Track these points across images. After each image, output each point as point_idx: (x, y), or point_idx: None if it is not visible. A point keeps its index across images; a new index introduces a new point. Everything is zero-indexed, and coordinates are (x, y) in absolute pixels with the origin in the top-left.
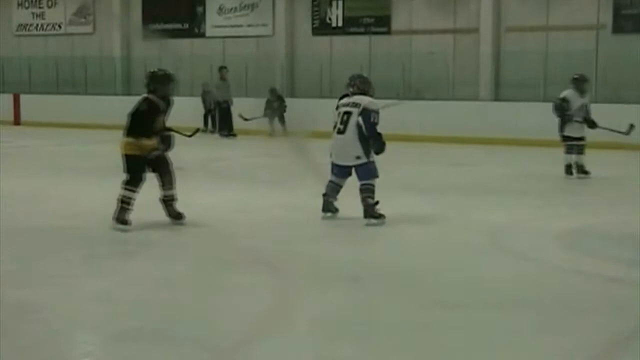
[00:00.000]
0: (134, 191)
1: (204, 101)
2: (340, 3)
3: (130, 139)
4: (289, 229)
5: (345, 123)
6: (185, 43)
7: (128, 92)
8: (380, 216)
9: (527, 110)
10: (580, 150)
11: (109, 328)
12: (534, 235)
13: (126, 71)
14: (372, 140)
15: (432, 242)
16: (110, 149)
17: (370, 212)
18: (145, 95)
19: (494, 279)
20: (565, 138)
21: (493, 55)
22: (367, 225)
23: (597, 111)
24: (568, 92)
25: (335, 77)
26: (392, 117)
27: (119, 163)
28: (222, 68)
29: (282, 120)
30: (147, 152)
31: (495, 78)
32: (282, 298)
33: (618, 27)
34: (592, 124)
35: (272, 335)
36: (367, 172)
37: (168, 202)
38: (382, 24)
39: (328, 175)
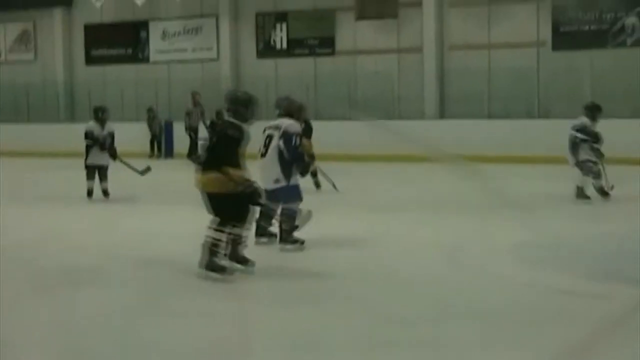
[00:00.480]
0: (223, 232)
1: (150, 126)
2: (284, 25)
3: (218, 174)
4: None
5: (267, 146)
6: (129, 68)
7: (71, 119)
8: (295, 242)
9: (473, 127)
10: (598, 175)
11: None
12: (488, 249)
13: (70, 97)
14: (295, 162)
15: (387, 259)
16: (61, 176)
17: (285, 237)
18: (229, 119)
19: (449, 293)
20: (585, 162)
21: (437, 73)
22: (282, 250)
23: (541, 125)
24: (585, 121)
25: None
26: (338, 136)
27: (70, 190)
28: (195, 93)
29: None
30: (239, 185)
31: (440, 95)
32: (241, 322)
33: (558, 44)
34: (601, 155)
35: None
36: (288, 196)
37: (237, 242)
38: (326, 45)
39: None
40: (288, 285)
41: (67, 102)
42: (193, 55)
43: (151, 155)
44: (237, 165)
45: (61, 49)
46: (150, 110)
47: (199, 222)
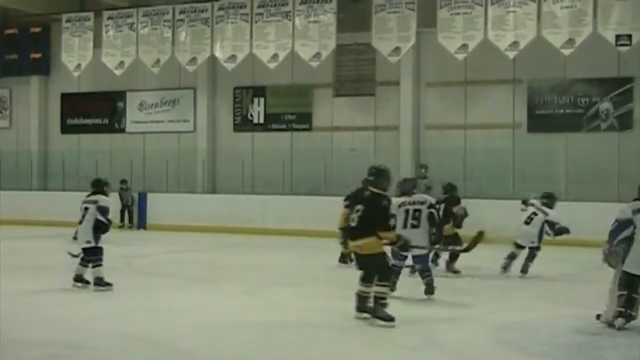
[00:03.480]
0: (389, 286)
1: (121, 197)
2: (262, 100)
3: (374, 238)
4: (226, 333)
5: (417, 218)
6: (104, 138)
7: (44, 187)
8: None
9: None
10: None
11: None
12: (469, 332)
13: (43, 166)
14: (436, 229)
15: (366, 340)
16: (31, 245)
17: (430, 287)
18: (379, 191)
19: None
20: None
21: (413, 152)
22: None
23: (516, 206)
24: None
25: (257, 172)
26: (313, 211)
27: (41, 260)
28: (422, 166)
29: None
30: (397, 242)
31: (415, 174)
32: None
33: (533, 126)
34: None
35: None
36: (426, 260)
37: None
38: (303, 120)
39: None
40: None
41: (41, 169)
42: (169, 127)
43: (121, 225)
44: (388, 229)
45: (37, 117)
46: (123, 181)
47: (177, 295)
